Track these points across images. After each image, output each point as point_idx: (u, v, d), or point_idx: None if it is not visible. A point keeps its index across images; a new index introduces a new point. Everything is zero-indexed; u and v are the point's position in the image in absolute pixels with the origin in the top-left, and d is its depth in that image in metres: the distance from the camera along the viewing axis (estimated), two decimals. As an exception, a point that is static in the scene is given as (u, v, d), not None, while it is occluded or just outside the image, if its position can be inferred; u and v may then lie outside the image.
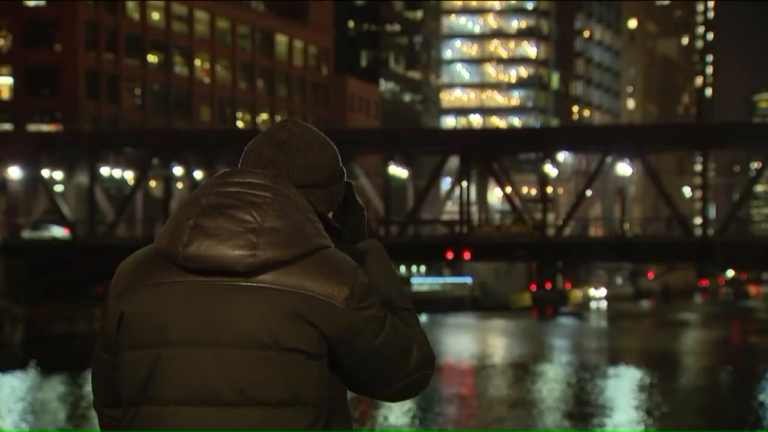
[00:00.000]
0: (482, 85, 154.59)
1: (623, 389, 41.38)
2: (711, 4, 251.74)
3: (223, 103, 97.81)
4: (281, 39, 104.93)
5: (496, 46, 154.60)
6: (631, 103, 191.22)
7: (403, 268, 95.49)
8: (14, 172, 65.08)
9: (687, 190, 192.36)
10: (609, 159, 64.59)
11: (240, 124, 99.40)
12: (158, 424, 2.73)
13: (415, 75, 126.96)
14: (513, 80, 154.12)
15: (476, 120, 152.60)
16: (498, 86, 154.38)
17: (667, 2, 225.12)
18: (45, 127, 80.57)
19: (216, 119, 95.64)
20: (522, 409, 35.92)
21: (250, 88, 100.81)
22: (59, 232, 65.98)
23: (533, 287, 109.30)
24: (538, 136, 76.28)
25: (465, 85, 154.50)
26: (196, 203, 2.78)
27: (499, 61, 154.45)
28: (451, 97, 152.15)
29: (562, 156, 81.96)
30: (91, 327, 59.67)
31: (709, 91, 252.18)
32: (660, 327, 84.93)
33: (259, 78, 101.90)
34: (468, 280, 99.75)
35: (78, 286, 62.34)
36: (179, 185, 68.19)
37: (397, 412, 33.37)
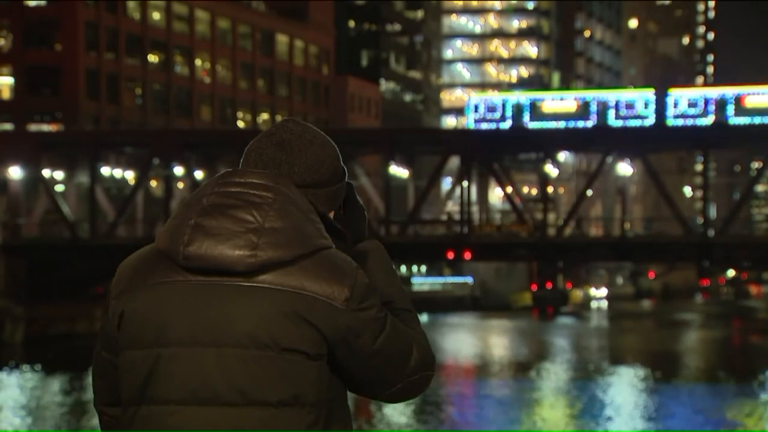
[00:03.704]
0: (483, 85, 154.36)
1: (623, 389, 41.36)
2: (711, 3, 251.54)
3: (223, 103, 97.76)
4: (282, 39, 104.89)
5: (496, 46, 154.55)
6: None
7: (403, 268, 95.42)
8: (15, 172, 65.05)
9: (687, 190, 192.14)
10: (609, 159, 64.56)
11: (240, 124, 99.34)
12: (158, 423, 2.73)
13: (415, 75, 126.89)
14: (513, 80, 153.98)
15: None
16: (498, 86, 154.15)
17: (667, 2, 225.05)
18: (45, 127, 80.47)
19: (216, 119, 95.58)
20: (522, 409, 35.91)
21: (251, 87, 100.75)
22: None
23: (534, 287, 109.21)
24: (539, 136, 76.23)
25: (465, 85, 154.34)
26: (197, 203, 2.78)
27: (500, 60, 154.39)
28: (451, 97, 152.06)
29: (562, 156, 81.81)
30: (92, 327, 59.65)
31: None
32: (660, 327, 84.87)
33: (259, 78, 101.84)
34: (468, 279, 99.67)
35: (78, 286, 62.32)
36: (180, 185, 68.16)
37: (397, 412, 33.36)
